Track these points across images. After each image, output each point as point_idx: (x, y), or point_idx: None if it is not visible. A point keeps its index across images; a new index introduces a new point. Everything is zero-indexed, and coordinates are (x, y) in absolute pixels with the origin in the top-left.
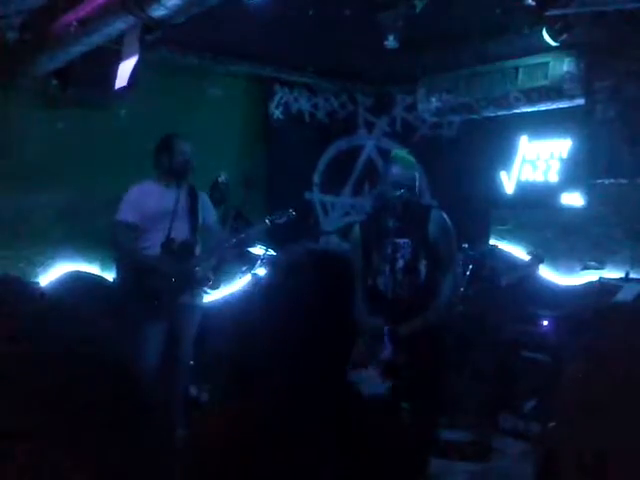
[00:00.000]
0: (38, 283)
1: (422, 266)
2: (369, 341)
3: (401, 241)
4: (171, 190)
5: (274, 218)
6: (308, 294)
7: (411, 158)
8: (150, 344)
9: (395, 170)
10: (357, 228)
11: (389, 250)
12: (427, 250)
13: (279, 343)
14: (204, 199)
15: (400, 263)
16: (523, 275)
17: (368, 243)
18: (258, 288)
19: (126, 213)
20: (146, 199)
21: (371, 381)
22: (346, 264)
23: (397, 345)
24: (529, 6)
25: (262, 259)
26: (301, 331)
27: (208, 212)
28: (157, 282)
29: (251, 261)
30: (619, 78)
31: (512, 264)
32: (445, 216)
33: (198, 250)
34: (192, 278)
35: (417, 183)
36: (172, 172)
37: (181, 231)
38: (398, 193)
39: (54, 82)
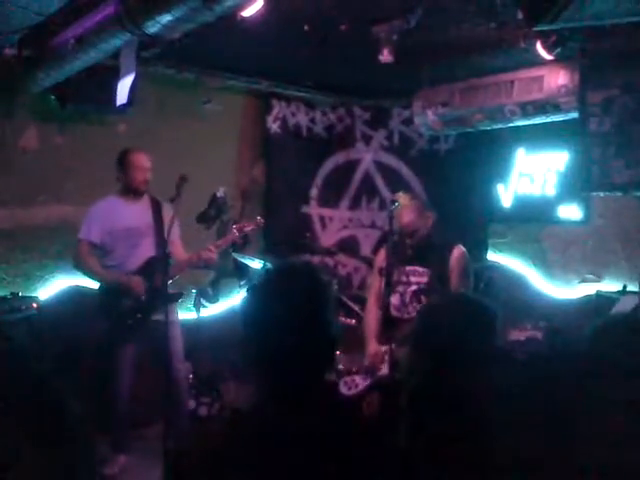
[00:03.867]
0: (37, 297)
1: (435, 293)
2: (371, 363)
3: (420, 269)
4: (134, 206)
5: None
6: (280, 304)
7: (408, 201)
8: (123, 362)
9: (396, 220)
10: (382, 252)
11: (404, 275)
12: (444, 282)
13: (256, 350)
14: (168, 214)
15: (412, 287)
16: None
17: (389, 266)
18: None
19: (90, 232)
20: (111, 216)
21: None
22: (320, 278)
23: (393, 365)
24: (522, 20)
25: (260, 273)
26: (275, 339)
27: (172, 227)
28: (127, 301)
29: (249, 275)
30: (613, 91)
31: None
32: (466, 252)
33: (169, 265)
34: (163, 295)
35: (420, 224)
36: (128, 188)
37: (147, 246)
38: (406, 241)
39: (52, 98)
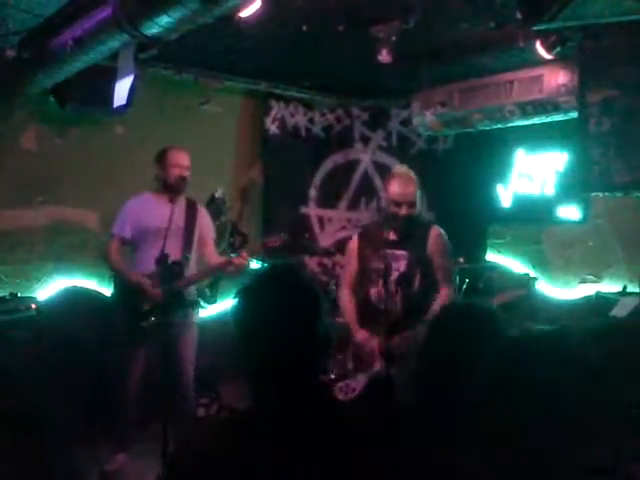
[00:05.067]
0: (36, 298)
1: (417, 280)
2: (362, 354)
3: (398, 252)
4: (169, 205)
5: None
6: (267, 307)
7: (411, 174)
8: (133, 364)
9: (395, 187)
10: (355, 238)
11: (384, 261)
12: (423, 264)
13: (247, 353)
14: (204, 216)
15: (394, 275)
16: (515, 296)
17: (365, 253)
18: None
19: (122, 227)
20: (143, 213)
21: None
22: (307, 279)
23: (388, 358)
24: (521, 20)
25: (249, 276)
26: (264, 341)
27: (206, 230)
28: (144, 302)
29: (247, 276)
30: (613, 91)
31: (504, 284)
32: (443, 232)
33: (191, 269)
34: (181, 298)
35: (417, 199)
36: (166, 186)
37: (173, 248)
38: (400, 213)
39: (52, 99)
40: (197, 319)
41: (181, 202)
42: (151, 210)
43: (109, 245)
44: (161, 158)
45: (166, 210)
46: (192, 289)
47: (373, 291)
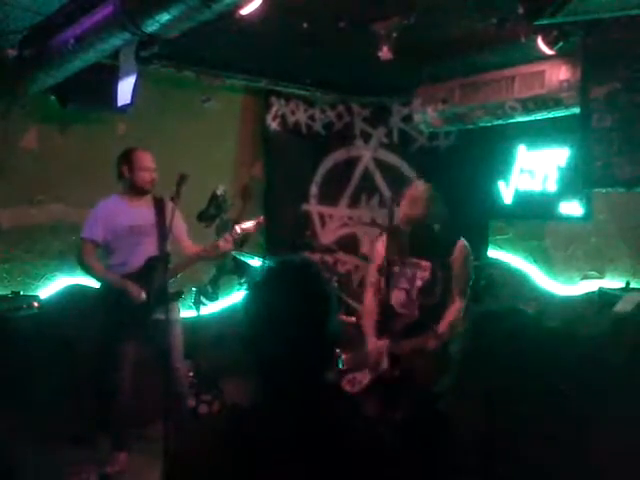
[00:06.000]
0: (38, 296)
1: (437, 290)
2: (371, 353)
3: (422, 262)
4: (137, 205)
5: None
6: (280, 301)
7: (424, 194)
8: (123, 361)
9: (404, 208)
10: (383, 239)
11: (409, 268)
12: (444, 276)
13: (257, 347)
14: (172, 210)
15: (418, 283)
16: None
17: (391, 257)
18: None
19: (93, 231)
20: (114, 215)
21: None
22: (321, 274)
23: (394, 360)
24: (523, 15)
25: (260, 270)
26: (275, 336)
27: (178, 223)
28: (127, 301)
29: (249, 273)
30: (616, 85)
31: (506, 281)
32: (468, 247)
33: (169, 264)
34: (164, 294)
35: (427, 217)
36: (134, 187)
37: (152, 247)
38: (405, 229)
39: (53, 98)
40: (180, 312)
41: (148, 200)
42: (121, 211)
43: (82, 251)
44: (128, 160)
45: (136, 210)
46: (171, 283)
47: (395, 295)
